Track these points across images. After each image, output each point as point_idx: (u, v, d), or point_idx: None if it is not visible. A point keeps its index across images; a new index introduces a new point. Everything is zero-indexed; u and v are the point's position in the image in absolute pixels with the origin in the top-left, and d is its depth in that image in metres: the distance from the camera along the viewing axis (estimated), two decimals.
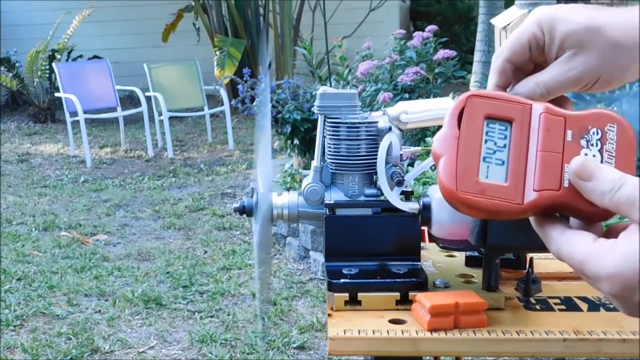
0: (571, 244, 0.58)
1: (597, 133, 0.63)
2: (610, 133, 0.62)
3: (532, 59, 0.72)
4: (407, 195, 0.93)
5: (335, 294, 0.83)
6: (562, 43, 0.68)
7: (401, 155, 0.90)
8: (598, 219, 0.60)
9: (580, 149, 0.62)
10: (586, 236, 0.58)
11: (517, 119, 0.64)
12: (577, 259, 0.57)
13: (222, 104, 6.97)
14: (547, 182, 0.61)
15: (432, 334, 0.75)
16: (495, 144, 0.64)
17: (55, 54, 8.81)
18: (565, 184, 0.61)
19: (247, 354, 2.77)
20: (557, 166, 0.62)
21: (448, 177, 0.62)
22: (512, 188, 0.62)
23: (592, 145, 0.62)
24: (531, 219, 0.63)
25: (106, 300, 3.34)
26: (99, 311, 3.22)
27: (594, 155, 0.62)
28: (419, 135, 4.18)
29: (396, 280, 0.83)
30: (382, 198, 0.90)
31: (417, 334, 0.75)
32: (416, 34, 4.71)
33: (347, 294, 0.83)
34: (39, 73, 8.66)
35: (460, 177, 0.62)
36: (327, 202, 0.90)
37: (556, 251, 0.60)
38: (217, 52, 8.01)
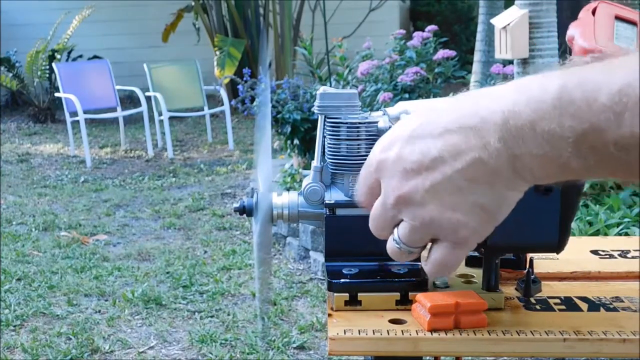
0: None
1: None
2: None
3: None
4: None
5: (335, 294, 0.82)
6: None
7: None
8: None
9: None
10: None
11: None
12: None
13: (222, 104, 6.97)
14: None
15: (432, 334, 0.75)
16: (623, 38, 0.73)
17: (55, 54, 8.81)
18: None
19: (247, 354, 2.77)
20: None
21: (587, 39, 0.71)
22: None
23: None
24: None
25: (106, 300, 3.34)
26: (99, 311, 3.22)
27: None
28: None
29: (396, 280, 0.83)
30: None
31: (417, 334, 0.75)
32: (416, 34, 4.71)
33: (347, 294, 0.83)
34: (39, 73, 8.66)
35: (599, 38, 0.70)
36: (327, 202, 0.90)
37: None
38: (217, 52, 8.01)
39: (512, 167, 0.59)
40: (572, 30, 0.75)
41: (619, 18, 0.75)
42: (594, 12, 0.76)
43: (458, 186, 0.60)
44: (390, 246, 0.67)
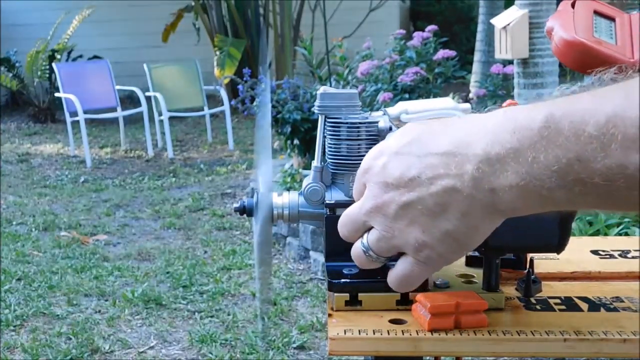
0: None
1: None
2: None
3: None
4: None
5: (336, 294, 0.82)
6: None
7: None
8: None
9: None
10: None
11: (619, 17, 0.75)
12: None
13: (222, 104, 6.97)
14: None
15: (432, 334, 0.75)
16: (603, 31, 0.73)
17: (55, 54, 8.81)
18: None
19: (247, 354, 2.77)
20: None
21: (567, 31, 0.71)
22: (622, 47, 0.70)
23: None
24: None
25: (106, 300, 3.34)
26: (99, 311, 3.22)
27: None
28: None
29: None
30: None
31: (417, 334, 0.75)
32: (416, 34, 4.71)
33: (347, 294, 0.82)
34: (39, 73, 8.67)
35: (578, 30, 0.71)
36: (327, 202, 0.90)
37: None
38: (217, 52, 8.01)
39: (488, 198, 0.59)
40: (552, 21, 0.76)
41: (597, 13, 0.76)
42: (573, 5, 0.77)
43: (430, 210, 0.62)
44: (358, 250, 0.70)
